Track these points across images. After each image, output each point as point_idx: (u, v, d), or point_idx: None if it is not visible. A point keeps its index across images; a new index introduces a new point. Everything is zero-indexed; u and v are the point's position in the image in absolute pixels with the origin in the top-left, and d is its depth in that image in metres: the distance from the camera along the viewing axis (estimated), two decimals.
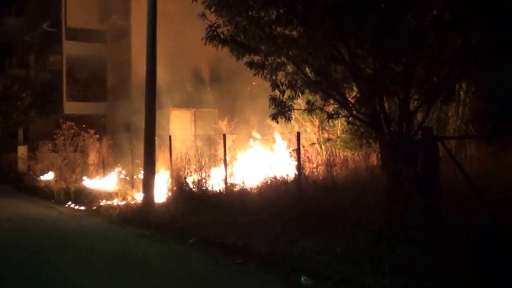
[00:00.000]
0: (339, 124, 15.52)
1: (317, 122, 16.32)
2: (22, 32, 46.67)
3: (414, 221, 10.31)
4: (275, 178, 15.63)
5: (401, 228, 10.34)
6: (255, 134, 18.88)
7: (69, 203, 22.82)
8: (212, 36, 12.31)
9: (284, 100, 12.48)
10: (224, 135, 17.61)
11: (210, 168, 18.19)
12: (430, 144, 10.09)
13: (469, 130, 13.21)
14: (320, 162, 15.69)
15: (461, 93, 13.24)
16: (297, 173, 14.92)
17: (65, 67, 39.58)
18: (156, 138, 18.68)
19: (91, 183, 25.40)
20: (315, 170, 15.47)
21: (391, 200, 11.23)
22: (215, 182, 17.68)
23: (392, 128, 11.54)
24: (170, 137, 20.39)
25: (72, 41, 39.07)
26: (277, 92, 12.62)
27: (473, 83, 12.86)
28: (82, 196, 22.90)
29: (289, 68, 12.62)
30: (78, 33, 39.20)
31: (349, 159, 15.14)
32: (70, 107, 38.75)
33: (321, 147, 16.11)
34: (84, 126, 27.66)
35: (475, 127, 13.10)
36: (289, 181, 15.30)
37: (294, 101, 12.73)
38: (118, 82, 36.10)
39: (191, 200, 17.23)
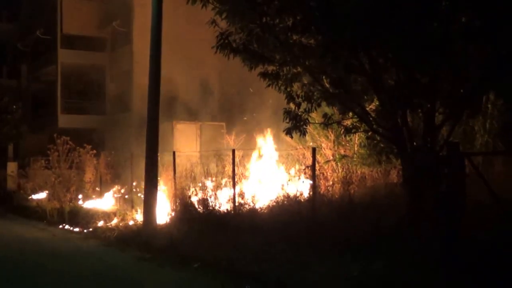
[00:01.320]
0: (356, 139, 15.64)
1: (332, 137, 16.44)
2: (14, 39, 46.80)
3: (437, 244, 10.40)
4: (288, 196, 15.70)
5: (423, 251, 10.42)
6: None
7: (63, 224, 22.76)
8: (223, 44, 12.47)
9: (300, 113, 12.61)
10: (233, 151, 17.67)
11: (217, 186, 18.26)
12: (457, 161, 10.21)
13: (497, 145, 13.31)
14: (336, 179, 15.77)
15: (489, 105, 13.36)
16: (311, 191, 15.01)
17: (60, 77, 39.56)
18: (158, 153, 18.73)
19: (87, 202, 25.41)
20: (330, 188, 15.55)
21: (412, 221, 11.32)
22: (222, 202, 17.73)
23: (415, 143, 11.65)
24: (174, 152, 20.46)
25: (68, 49, 39.12)
26: (292, 105, 12.77)
27: (501, 95, 12.98)
28: (78, 216, 22.77)
29: (305, 79, 12.77)
30: (74, 40, 39.31)
31: (367, 177, 15.22)
32: (65, 120, 38.76)
33: (337, 164, 16.21)
34: (80, 141, 27.71)
35: (504, 142, 13.20)
36: (302, 200, 15.37)
37: (310, 114, 12.88)
38: (118, 94, 36.23)
39: (196, 221, 17.21)
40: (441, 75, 11.10)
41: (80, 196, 25.96)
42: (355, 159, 15.58)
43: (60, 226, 22.58)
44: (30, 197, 29.15)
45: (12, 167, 36.79)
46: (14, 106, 41.00)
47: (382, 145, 12.98)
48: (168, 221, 18.59)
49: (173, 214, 18.84)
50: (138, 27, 34.00)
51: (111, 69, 38.70)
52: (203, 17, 13.03)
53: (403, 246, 10.88)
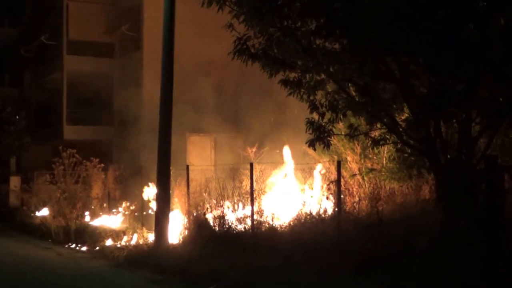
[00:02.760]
0: (385, 152, 15.52)
1: (358, 150, 16.32)
2: (17, 45, 47.08)
3: (474, 267, 10.26)
4: (310, 214, 15.59)
5: (459, 275, 10.27)
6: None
7: (69, 243, 22.97)
8: (241, 50, 12.41)
9: (323, 124, 12.52)
10: (251, 164, 17.56)
11: (234, 203, 18.18)
12: (495, 175, 10.08)
13: None
14: (362, 195, 15.64)
15: None
16: (336, 208, 14.89)
17: (66, 85, 39.65)
18: (171, 168, 18.70)
19: (94, 219, 25.45)
20: (356, 205, 15.43)
21: (446, 241, 11.19)
22: (240, 219, 17.64)
23: (449, 156, 11.53)
24: (187, 166, 20.43)
25: (74, 56, 39.15)
26: (315, 115, 12.68)
27: None
28: (84, 235, 22.92)
29: (330, 87, 12.71)
30: (81, 46, 39.36)
31: (396, 192, 15.08)
32: (71, 131, 38.85)
33: (363, 178, 16.08)
34: (87, 153, 27.75)
35: None
36: (326, 218, 15.26)
37: (334, 125, 12.79)
38: (127, 103, 36.22)
39: (211, 240, 17.16)
40: (477, 81, 10.97)
41: (87, 213, 25.98)
42: (383, 173, 15.45)
43: (66, 245, 22.74)
44: (34, 213, 29.29)
45: (15, 181, 37.02)
46: (17, 116, 41.20)
47: (413, 158, 12.85)
48: (181, 240, 18.57)
49: (186, 232, 18.78)
50: (149, 32, 34.07)
51: (119, 77, 38.75)
52: (220, 20, 12.97)
53: (437, 267, 10.76)
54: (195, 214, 18.70)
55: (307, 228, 15.15)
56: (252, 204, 17.15)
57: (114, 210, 25.61)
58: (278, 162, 18.88)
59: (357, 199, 15.70)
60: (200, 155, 27.57)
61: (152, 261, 16.79)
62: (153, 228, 18.70)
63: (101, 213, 26.08)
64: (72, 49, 39.55)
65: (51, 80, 42.20)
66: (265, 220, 16.74)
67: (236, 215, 17.76)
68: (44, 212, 28.54)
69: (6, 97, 44.54)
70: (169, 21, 18.04)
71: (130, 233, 20.94)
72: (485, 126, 11.49)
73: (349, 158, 16.61)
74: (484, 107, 11.27)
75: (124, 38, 37.76)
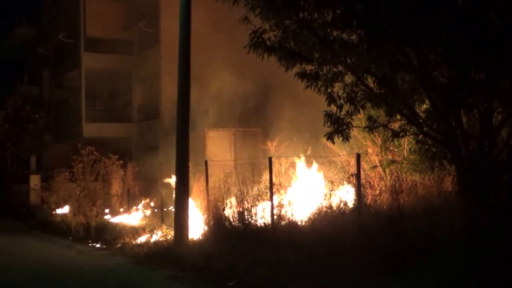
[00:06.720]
0: (406, 144, 15.39)
1: (379, 142, 16.19)
2: (35, 44, 47.46)
3: (498, 260, 10.13)
4: (331, 207, 15.48)
5: (483, 269, 10.14)
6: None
7: (90, 240, 23.10)
8: (257, 43, 12.32)
9: (342, 116, 12.42)
10: (270, 159, 17.48)
11: (253, 198, 18.10)
12: None
13: None
14: (383, 188, 15.51)
15: None
16: (356, 201, 14.78)
17: (84, 83, 39.99)
18: (190, 163, 18.67)
19: (114, 217, 25.50)
20: (377, 198, 15.30)
21: (470, 234, 11.07)
22: (259, 214, 17.56)
23: (471, 147, 11.39)
24: (206, 162, 20.42)
25: (92, 53, 39.49)
26: (333, 107, 12.58)
27: None
28: (105, 232, 23.07)
29: (348, 79, 12.57)
30: (99, 43, 39.67)
31: (418, 184, 14.92)
32: (90, 129, 39.10)
33: (384, 171, 15.96)
34: (106, 150, 27.82)
35: None
36: (347, 211, 15.14)
37: (353, 117, 12.68)
38: (146, 99, 36.41)
39: (230, 236, 17.16)
40: (499, 71, 10.83)
41: (106, 210, 26.03)
42: (404, 165, 15.31)
43: (86, 243, 22.88)
44: (54, 211, 29.42)
45: (35, 180, 37.28)
46: (37, 115, 41.51)
47: (434, 150, 12.69)
48: (200, 236, 18.56)
49: (206, 228, 18.76)
50: (166, 28, 34.15)
51: (137, 73, 38.96)
52: (236, 13, 12.90)
53: (459, 261, 10.63)
54: (214, 209, 18.67)
55: (328, 222, 15.04)
56: (272, 199, 17.08)
57: (133, 207, 25.65)
58: (298, 156, 18.79)
59: (378, 192, 15.58)
60: (219, 150, 27.49)
61: (172, 258, 16.84)
62: (173, 224, 18.68)
63: (121, 210, 26.15)
64: (90, 47, 39.84)
65: (70, 78, 42.52)
66: (284, 214, 16.66)
67: (255, 210, 17.68)
68: (64, 210, 28.67)
69: (25, 96, 44.92)
70: (185, 17, 18.02)
71: (150, 230, 20.96)
72: (507, 115, 11.34)
73: (369, 150, 16.49)
74: (506, 96, 11.14)
75: (142, 34, 37.91)
